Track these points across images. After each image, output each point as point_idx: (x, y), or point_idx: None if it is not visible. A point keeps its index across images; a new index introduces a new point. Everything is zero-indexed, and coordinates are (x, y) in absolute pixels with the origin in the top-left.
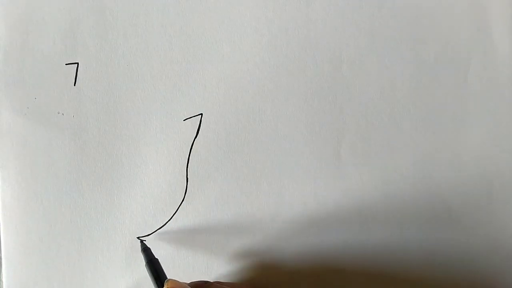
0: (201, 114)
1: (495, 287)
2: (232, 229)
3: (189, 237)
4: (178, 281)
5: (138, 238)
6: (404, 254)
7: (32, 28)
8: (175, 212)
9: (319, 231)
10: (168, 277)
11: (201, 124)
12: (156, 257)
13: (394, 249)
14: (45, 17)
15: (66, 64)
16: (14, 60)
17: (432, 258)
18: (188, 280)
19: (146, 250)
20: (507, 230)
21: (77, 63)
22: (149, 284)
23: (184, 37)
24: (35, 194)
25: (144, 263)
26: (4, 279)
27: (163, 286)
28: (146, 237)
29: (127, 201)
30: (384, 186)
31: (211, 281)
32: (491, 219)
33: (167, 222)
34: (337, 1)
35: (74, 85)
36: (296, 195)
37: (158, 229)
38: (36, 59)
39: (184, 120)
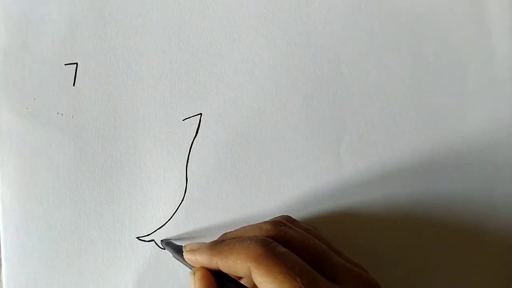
0: (200, 114)
1: None
2: (232, 229)
3: (189, 237)
4: (194, 243)
5: (137, 238)
6: (404, 254)
7: (32, 28)
8: (175, 212)
9: None
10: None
11: (201, 124)
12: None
13: (394, 249)
14: (45, 17)
15: (65, 65)
16: (14, 60)
17: (432, 258)
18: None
19: (169, 244)
20: (507, 230)
21: (76, 64)
22: (148, 284)
23: (184, 37)
24: (35, 194)
25: (172, 255)
26: (4, 279)
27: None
28: (146, 237)
29: (127, 201)
30: (383, 186)
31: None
32: (491, 219)
33: (167, 222)
34: (337, 1)
35: (74, 85)
36: (296, 195)
37: (158, 229)
38: (36, 59)
39: (183, 120)
